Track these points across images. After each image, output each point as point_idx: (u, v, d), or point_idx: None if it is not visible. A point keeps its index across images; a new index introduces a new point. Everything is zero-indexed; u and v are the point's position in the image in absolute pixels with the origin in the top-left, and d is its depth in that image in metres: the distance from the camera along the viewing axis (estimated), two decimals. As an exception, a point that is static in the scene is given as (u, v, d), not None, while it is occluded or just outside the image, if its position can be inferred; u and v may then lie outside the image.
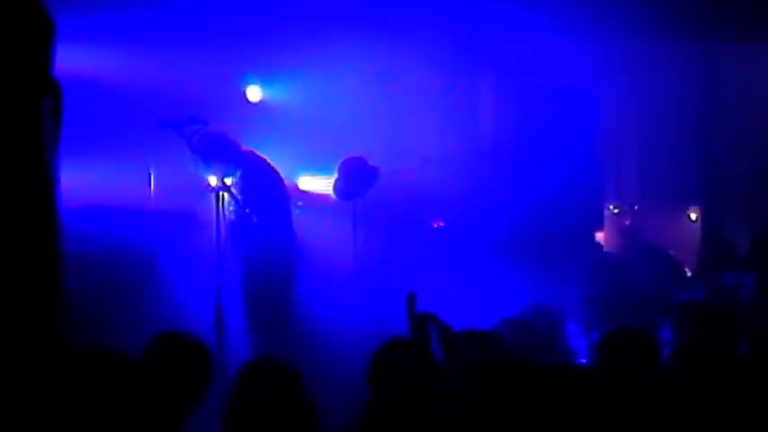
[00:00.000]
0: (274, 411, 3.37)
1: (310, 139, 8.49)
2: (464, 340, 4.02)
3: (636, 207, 10.73)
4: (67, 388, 1.73)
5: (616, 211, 10.52)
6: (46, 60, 1.62)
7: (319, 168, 8.71)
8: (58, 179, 1.68)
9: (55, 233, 1.67)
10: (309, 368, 3.80)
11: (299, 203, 8.66)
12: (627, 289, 7.51)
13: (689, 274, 9.11)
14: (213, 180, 6.54)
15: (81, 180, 6.22)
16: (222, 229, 6.24)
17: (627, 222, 10.58)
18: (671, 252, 9.19)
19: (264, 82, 8.68)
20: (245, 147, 6.70)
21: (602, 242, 9.71)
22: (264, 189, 6.56)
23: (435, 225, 8.88)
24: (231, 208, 6.36)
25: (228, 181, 6.39)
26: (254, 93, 8.66)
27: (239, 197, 6.34)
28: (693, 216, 10.55)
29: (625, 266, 8.46)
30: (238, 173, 6.45)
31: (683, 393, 3.40)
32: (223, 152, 6.43)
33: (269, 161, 6.83)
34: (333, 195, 8.50)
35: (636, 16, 8.09)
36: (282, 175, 8.65)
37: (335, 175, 8.40)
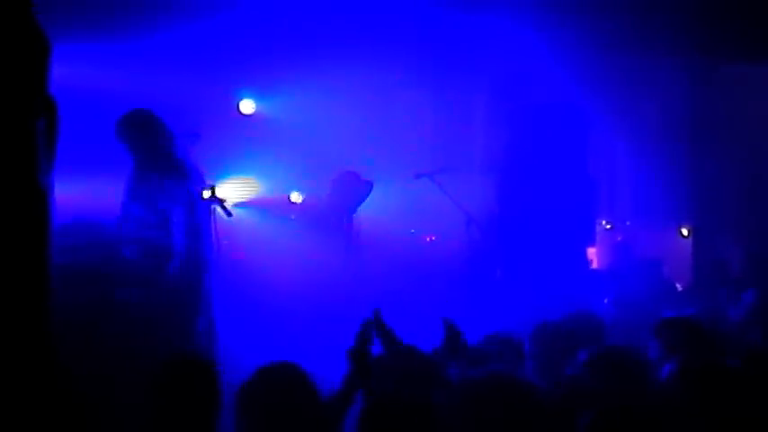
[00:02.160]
0: (290, 418, 3.31)
1: (303, 154, 8.51)
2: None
3: (628, 223, 10.76)
4: (58, 394, 1.75)
5: (608, 226, 10.55)
6: (42, 79, 1.64)
7: (312, 182, 8.72)
8: (51, 195, 1.69)
9: (45, 247, 1.69)
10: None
11: (292, 217, 8.67)
12: (621, 304, 7.53)
13: (680, 289, 9.14)
14: (206, 194, 6.53)
15: (79, 194, 6.23)
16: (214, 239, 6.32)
17: (619, 238, 10.61)
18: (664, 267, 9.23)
19: (258, 96, 8.70)
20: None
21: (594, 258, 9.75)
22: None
23: (428, 239, 8.89)
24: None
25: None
26: (247, 106, 8.68)
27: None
28: (685, 232, 10.58)
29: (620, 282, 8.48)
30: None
31: (684, 410, 3.40)
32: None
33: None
34: (325, 209, 8.51)
35: (630, 34, 8.14)
36: (276, 188, 8.69)
37: (328, 190, 8.40)
